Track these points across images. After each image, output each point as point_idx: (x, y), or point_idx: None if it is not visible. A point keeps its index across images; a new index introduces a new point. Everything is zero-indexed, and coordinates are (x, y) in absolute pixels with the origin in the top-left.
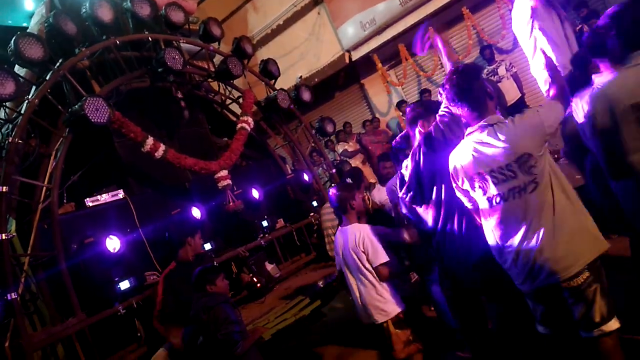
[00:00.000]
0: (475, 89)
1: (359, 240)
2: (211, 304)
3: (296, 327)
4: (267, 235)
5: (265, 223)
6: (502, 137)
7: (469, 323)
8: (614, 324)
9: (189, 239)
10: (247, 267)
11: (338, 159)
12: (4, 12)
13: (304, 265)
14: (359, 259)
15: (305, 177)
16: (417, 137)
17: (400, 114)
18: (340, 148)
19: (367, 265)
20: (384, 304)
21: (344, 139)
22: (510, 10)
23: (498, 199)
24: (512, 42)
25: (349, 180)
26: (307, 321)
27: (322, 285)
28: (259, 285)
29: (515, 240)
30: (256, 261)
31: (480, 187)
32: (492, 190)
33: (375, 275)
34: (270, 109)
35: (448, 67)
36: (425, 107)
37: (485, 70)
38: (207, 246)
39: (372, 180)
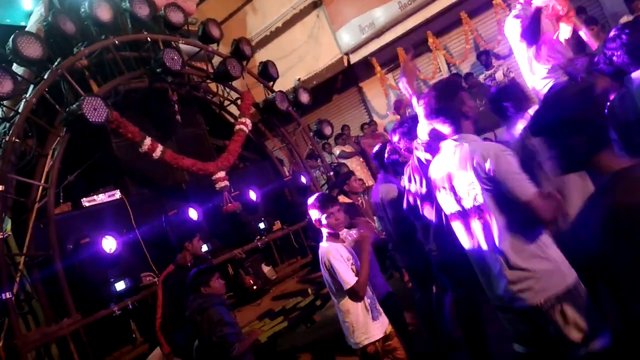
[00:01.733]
0: (450, 107)
1: (323, 263)
2: (205, 305)
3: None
4: (263, 237)
5: (262, 225)
6: (460, 156)
7: (472, 331)
8: (600, 341)
9: (187, 244)
10: (244, 269)
11: (335, 161)
12: (2, 11)
13: (300, 268)
14: (327, 282)
15: (303, 179)
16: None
17: (398, 117)
18: (337, 150)
19: (334, 291)
20: (351, 332)
21: (343, 142)
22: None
23: (462, 212)
24: (510, 48)
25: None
26: (303, 322)
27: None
28: (255, 287)
29: (479, 255)
30: (252, 263)
31: (447, 200)
32: (458, 204)
33: (341, 302)
34: (268, 111)
35: (409, 94)
36: (404, 128)
37: (482, 75)
38: (204, 248)
39: (371, 183)
